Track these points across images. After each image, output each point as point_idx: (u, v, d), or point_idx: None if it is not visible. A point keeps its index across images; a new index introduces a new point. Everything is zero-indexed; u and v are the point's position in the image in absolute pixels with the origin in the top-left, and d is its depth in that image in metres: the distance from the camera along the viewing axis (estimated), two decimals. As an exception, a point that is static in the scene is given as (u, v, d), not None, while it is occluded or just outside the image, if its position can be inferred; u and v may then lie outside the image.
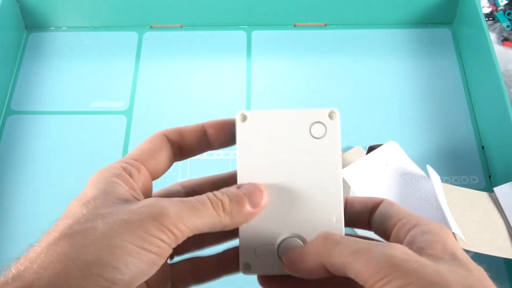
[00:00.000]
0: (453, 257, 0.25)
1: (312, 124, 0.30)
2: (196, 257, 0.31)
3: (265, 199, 0.29)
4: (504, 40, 0.73)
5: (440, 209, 0.46)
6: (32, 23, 0.72)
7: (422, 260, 0.23)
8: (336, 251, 0.25)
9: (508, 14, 0.75)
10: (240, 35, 0.72)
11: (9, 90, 0.68)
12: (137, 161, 0.28)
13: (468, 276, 0.23)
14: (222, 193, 0.27)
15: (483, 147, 0.62)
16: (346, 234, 0.29)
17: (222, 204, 0.27)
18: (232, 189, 0.28)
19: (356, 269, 0.24)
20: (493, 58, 0.60)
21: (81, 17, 0.72)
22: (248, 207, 0.28)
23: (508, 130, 0.56)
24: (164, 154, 0.29)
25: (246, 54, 0.70)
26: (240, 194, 0.28)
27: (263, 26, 0.72)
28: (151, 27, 0.73)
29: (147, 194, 0.28)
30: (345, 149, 0.61)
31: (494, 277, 0.58)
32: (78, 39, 0.72)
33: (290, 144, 0.30)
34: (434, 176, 0.49)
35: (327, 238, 0.26)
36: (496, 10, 0.76)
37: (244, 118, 0.30)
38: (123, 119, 0.65)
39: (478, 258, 0.46)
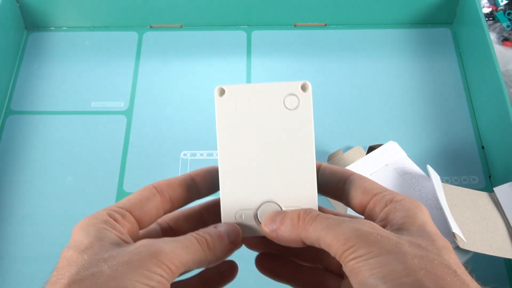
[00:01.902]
0: (420, 230, 0.27)
1: (286, 96, 0.31)
2: (178, 281, 0.32)
3: (240, 237, 0.31)
4: (504, 40, 0.73)
5: (440, 209, 0.46)
6: (32, 23, 0.72)
7: (386, 233, 0.26)
8: (312, 227, 0.28)
9: (508, 14, 0.75)
10: (240, 35, 0.72)
11: (9, 90, 0.68)
12: (122, 209, 0.29)
13: (427, 247, 0.26)
14: (203, 232, 0.29)
15: (483, 147, 0.62)
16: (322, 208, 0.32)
17: (206, 241, 0.29)
18: (210, 228, 0.30)
19: (328, 241, 0.27)
20: (493, 58, 0.60)
21: (81, 17, 0.72)
22: (227, 244, 0.30)
23: (508, 130, 0.56)
24: (152, 204, 0.30)
25: (246, 54, 0.70)
26: (219, 232, 0.30)
27: (263, 26, 0.72)
28: (151, 27, 0.73)
29: (134, 239, 0.30)
30: (345, 149, 0.61)
31: (494, 277, 0.58)
32: (78, 39, 0.72)
33: (266, 116, 0.31)
34: (434, 176, 0.49)
35: (305, 216, 0.28)
36: (496, 10, 0.76)
37: (222, 92, 0.31)
38: (123, 119, 0.65)
39: (478, 258, 0.46)
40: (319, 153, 0.61)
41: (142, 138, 0.64)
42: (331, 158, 0.59)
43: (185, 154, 0.62)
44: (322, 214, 0.28)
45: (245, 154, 0.31)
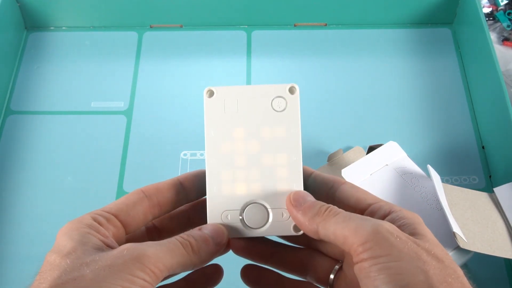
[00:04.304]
0: (432, 239, 0.27)
1: (273, 99, 0.32)
2: (163, 285, 0.32)
3: (226, 238, 0.31)
4: (504, 40, 0.73)
5: (440, 209, 0.46)
6: (32, 23, 0.72)
7: (404, 236, 0.25)
8: (333, 219, 0.28)
9: (508, 14, 0.75)
10: (240, 35, 0.72)
11: (9, 90, 0.68)
12: (108, 212, 0.29)
13: (443, 259, 0.25)
14: (188, 235, 0.29)
15: (483, 147, 0.62)
16: None
17: (191, 244, 0.28)
18: (195, 231, 0.30)
19: (345, 233, 0.26)
20: (493, 58, 0.60)
21: (81, 17, 0.72)
22: (213, 246, 0.30)
23: (508, 130, 0.56)
24: (138, 209, 0.30)
25: (246, 54, 0.70)
26: (204, 235, 0.30)
27: (263, 26, 0.72)
28: (151, 27, 0.73)
29: (120, 244, 0.29)
30: (345, 149, 0.61)
31: (494, 277, 0.58)
32: (78, 39, 0.72)
33: (254, 117, 0.32)
34: (435, 176, 0.49)
35: (330, 209, 0.28)
36: (496, 10, 0.76)
37: (211, 94, 0.32)
38: (123, 119, 0.65)
39: (478, 258, 0.46)
40: (319, 153, 0.61)
41: (142, 138, 0.64)
42: (331, 158, 0.59)
43: (185, 154, 0.62)
44: (344, 211, 0.28)
45: (232, 155, 0.32)
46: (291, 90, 0.32)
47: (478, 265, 0.54)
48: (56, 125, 0.65)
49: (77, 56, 0.70)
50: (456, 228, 0.44)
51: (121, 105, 0.66)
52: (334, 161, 0.59)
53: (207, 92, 0.32)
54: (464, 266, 0.53)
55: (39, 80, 0.68)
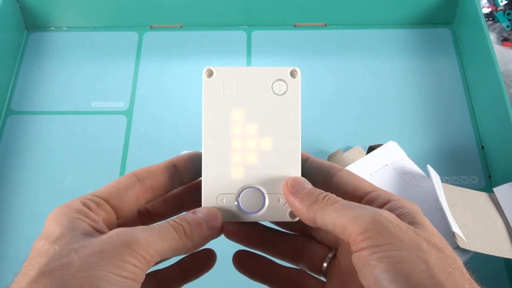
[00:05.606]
0: (431, 228, 0.27)
1: (274, 81, 0.31)
2: (157, 270, 0.32)
3: (220, 223, 0.30)
4: (504, 40, 0.73)
5: (440, 209, 0.46)
6: (32, 23, 0.73)
7: (404, 225, 0.25)
8: (332, 208, 0.27)
9: (508, 14, 0.75)
10: (240, 35, 0.72)
11: (9, 90, 0.68)
12: (98, 197, 0.28)
13: (443, 248, 0.25)
14: (180, 219, 0.28)
15: (483, 147, 0.62)
16: None
17: (183, 228, 0.28)
18: (188, 214, 0.29)
19: (344, 222, 0.26)
20: (492, 58, 0.60)
21: (81, 17, 0.72)
22: (206, 230, 0.29)
23: (508, 130, 0.56)
24: (131, 193, 0.29)
25: (246, 54, 0.70)
26: (198, 218, 0.29)
27: (263, 26, 0.72)
28: (151, 27, 0.73)
29: (110, 229, 0.29)
30: (345, 149, 0.61)
31: (494, 277, 0.58)
32: (78, 39, 0.72)
33: (253, 99, 0.31)
34: (434, 176, 0.49)
35: (328, 197, 0.28)
36: (496, 10, 0.76)
37: (210, 74, 0.32)
38: (123, 119, 0.65)
39: (478, 258, 0.46)
40: (319, 153, 0.62)
41: (142, 138, 0.64)
42: (331, 158, 0.59)
43: (185, 154, 0.62)
44: (342, 199, 0.28)
45: (230, 137, 0.31)
46: (293, 74, 0.31)
47: (477, 265, 0.54)
48: (56, 125, 0.65)
49: (78, 56, 0.70)
50: (455, 228, 0.44)
51: (121, 105, 0.66)
52: (334, 161, 0.59)
53: (206, 72, 0.31)
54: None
55: (39, 80, 0.68)
